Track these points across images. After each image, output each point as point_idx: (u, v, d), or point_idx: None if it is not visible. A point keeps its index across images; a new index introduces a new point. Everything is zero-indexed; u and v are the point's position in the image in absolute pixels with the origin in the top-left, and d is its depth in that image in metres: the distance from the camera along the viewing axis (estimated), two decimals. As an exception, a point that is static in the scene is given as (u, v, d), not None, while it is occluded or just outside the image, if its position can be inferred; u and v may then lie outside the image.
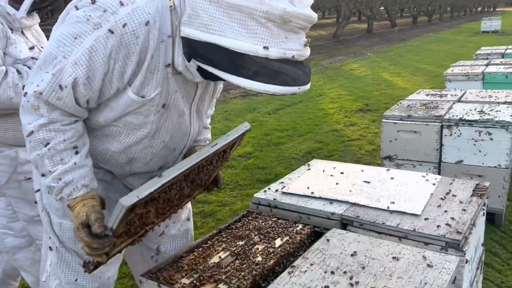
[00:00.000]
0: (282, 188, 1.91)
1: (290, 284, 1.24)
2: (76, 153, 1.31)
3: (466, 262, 1.47)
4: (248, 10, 1.15)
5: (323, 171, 2.10)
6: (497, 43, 12.89)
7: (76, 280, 1.55)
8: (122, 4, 1.21)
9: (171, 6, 1.24)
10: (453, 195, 1.79)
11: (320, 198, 1.80)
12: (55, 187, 1.29)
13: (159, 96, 1.33)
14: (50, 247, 1.56)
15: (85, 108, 1.31)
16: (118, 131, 1.38)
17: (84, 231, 1.24)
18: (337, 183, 1.94)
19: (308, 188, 1.90)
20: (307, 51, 1.25)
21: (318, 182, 1.96)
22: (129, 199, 1.14)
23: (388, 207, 1.68)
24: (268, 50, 1.17)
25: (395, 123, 3.16)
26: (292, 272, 1.30)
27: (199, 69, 1.29)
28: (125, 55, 1.23)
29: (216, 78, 1.28)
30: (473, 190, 1.82)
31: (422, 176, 1.99)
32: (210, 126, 1.75)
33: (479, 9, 46.06)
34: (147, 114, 1.35)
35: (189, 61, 1.28)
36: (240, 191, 4.05)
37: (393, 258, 1.35)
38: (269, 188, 1.92)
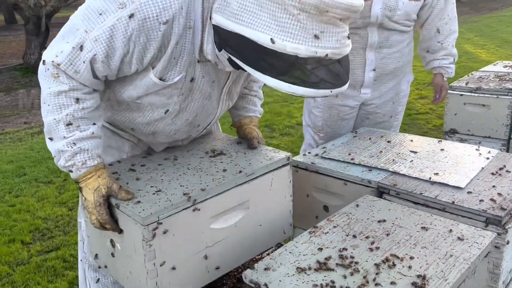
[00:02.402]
0: (322, 153, 1.89)
1: (308, 243, 1.24)
2: (94, 124, 1.29)
3: (508, 242, 1.37)
4: None
5: (370, 139, 2.03)
6: None
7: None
8: None
9: None
10: (507, 171, 1.66)
11: (359, 165, 1.75)
12: (68, 151, 1.25)
13: (183, 80, 1.31)
14: None
15: (103, 81, 1.30)
16: (142, 107, 1.38)
17: (106, 207, 1.25)
18: (381, 151, 1.87)
19: (349, 154, 1.85)
20: (346, 48, 1.12)
21: (361, 149, 1.91)
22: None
23: (430, 178, 1.60)
24: (297, 48, 1.06)
25: (461, 95, 2.94)
26: (314, 232, 1.29)
27: (230, 60, 1.23)
28: (146, 40, 1.19)
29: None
30: (532, 167, 1.67)
31: (476, 149, 1.86)
32: (262, 97, 1.72)
33: None
34: (169, 95, 1.34)
35: (219, 50, 1.23)
36: (295, 159, 4.01)
37: (422, 228, 1.29)
38: (309, 152, 1.90)
